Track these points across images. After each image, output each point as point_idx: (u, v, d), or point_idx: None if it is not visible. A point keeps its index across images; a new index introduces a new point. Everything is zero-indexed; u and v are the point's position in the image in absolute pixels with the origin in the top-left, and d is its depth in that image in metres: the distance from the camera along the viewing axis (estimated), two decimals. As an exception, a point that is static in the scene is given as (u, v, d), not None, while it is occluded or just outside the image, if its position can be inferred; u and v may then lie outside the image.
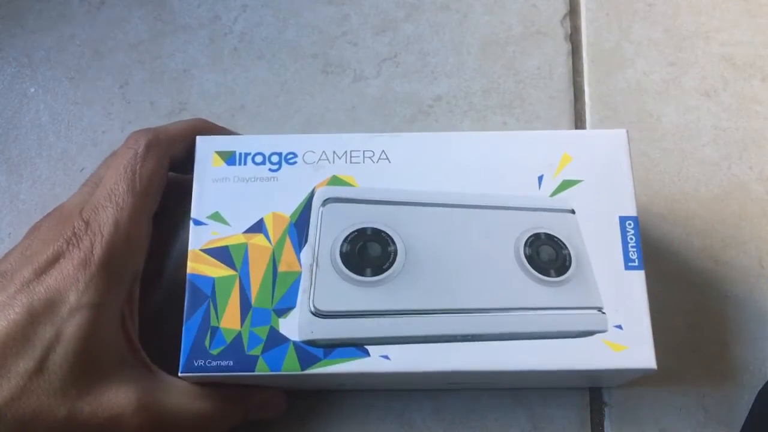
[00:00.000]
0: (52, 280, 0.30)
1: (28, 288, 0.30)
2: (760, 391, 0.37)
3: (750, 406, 0.37)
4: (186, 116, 0.44)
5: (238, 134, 0.38)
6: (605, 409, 0.38)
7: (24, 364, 0.29)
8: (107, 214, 0.32)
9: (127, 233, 0.32)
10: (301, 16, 0.46)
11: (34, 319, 0.30)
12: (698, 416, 0.38)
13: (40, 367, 0.29)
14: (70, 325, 0.30)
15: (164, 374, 0.33)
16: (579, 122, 0.43)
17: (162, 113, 0.44)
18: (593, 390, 0.38)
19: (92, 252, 0.31)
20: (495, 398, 0.38)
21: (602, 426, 0.38)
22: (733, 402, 0.38)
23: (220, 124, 0.38)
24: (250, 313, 0.31)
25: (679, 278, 0.40)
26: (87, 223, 0.31)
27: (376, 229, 0.32)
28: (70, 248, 0.31)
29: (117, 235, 0.31)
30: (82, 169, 0.43)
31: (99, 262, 0.31)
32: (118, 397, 0.31)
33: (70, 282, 0.30)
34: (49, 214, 0.34)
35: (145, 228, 0.33)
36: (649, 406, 0.38)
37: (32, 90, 0.45)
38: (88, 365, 0.30)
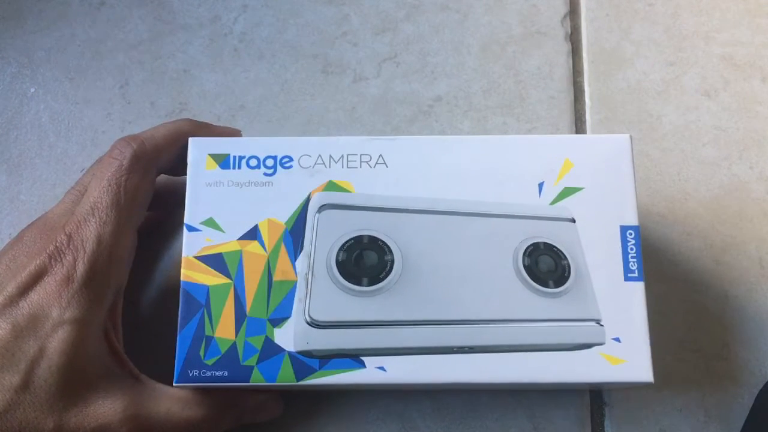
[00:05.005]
0: (35, 296, 0.31)
1: (12, 304, 0.30)
2: (760, 391, 0.37)
3: (750, 406, 0.37)
4: (186, 116, 0.43)
5: (227, 128, 0.37)
6: (605, 409, 0.38)
7: (9, 379, 0.30)
8: (90, 229, 0.32)
9: (110, 248, 0.32)
10: (301, 16, 0.46)
11: (18, 334, 0.30)
12: (698, 416, 0.38)
13: (26, 381, 0.30)
14: (53, 340, 0.30)
15: (154, 383, 0.33)
16: (579, 122, 0.43)
17: (162, 113, 0.44)
18: (593, 390, 0.38)
19: (75, 268, 0.31)
20: (495, 398, 0.38)
21: (602, 426, 0.38)
22: (733, 402, 0.38)
23: (221, 124, 0.38)
24: (245, 322, 0.31)
25: (679, 278, 0.40)
26: (70, 238, 0.31)
27: (372, 237, 0.32)
28: (53, 263, 0.31)
29: (99, 250, 0.31)
30: (82, 169, 0.43)
31: (81, 279, 0.31)
32: (104, 408, 0.31)
33: (53, 298, 0.30)
34: (33, 224, 0.34)
35: (129, 241, 0.33)
36: (650, 406, 0.38)
37: (32, 90, 0.45)
38: (73, 378, 0.30)
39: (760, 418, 0.36)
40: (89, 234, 0.31)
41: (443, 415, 0.38)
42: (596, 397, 0.38)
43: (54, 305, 0.30)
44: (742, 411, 0.38)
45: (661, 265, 0.40)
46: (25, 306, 0.30)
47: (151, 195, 0.34)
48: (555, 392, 0.38)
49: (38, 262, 0.31)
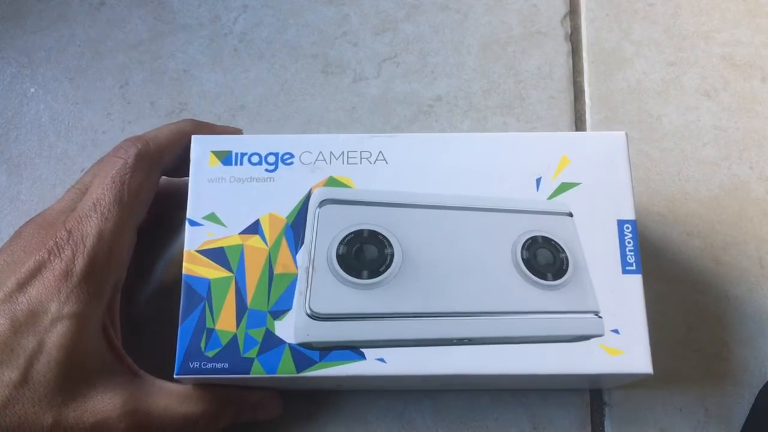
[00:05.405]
0: (34, 290, 0.31)
1: (11, 299, 0.30)
2: (760, 391, 0.37)
3: (750, 406, 0.37)
4: (186, 116, 0.44)
5: (228, 127, 0.37)
6: (605, 409, 0.38)
7: (9, 374, 0.29)
8: (91, 225, 0.32)
9: (111, 244, 0.32)
10: (301, 16, 0.46)
11: (17, 329, 0.30)
12: (698, 416, 0.38)
13: (25, 376, 0.30)
14: (52, 335, 0.30)
15: (152, 378, 0.33)
16: (579, 122, 0.43)
17: (162, 113, 0.44)
18: (593, 390, 0.38)
19: (74, 263, 0.31)
20: (495, 398, 0.38)
21: (602, 426, 0.38)
22: (733, 402, 0.38)
23: (221, 124, 0.38)
24: (246, 315, 0.31)
25: (679, 278, 0.40)
26: (70, 233, 0.31)
27: (373, 231, 0.32)
28: (52, 258, 0.31)
29: (100, 246, 0.31)
30: (82, 170, 0.43)
31: (80, 274, 0.31)
32: (103, 403, 0.31)
33: (52, 293, 0.30)
34: (31, 220, 0.34)
35: (129, 239, 0.33)
36: (650, 406, 0.38)
37: (32, 90, 0.45)
38: (72, 373, 0.30)
39: (761, 417, 0.36)
40: (90, 229, 0.32)
41: (443, 415, 0.38)
42: (596, 397, 0.38)
43: (53, 300, 0.30)
44: (742, 411, 0.38)
45: (661, 264, 0.40)
46: (24, 301, 0.30)
47: (153, 194, 0.34)
48: (555, 392, 0.38)
49: (37, 257, 0.31)
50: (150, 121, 0.44)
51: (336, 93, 0.44)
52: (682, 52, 0.45)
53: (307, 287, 0.32)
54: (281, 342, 0.31)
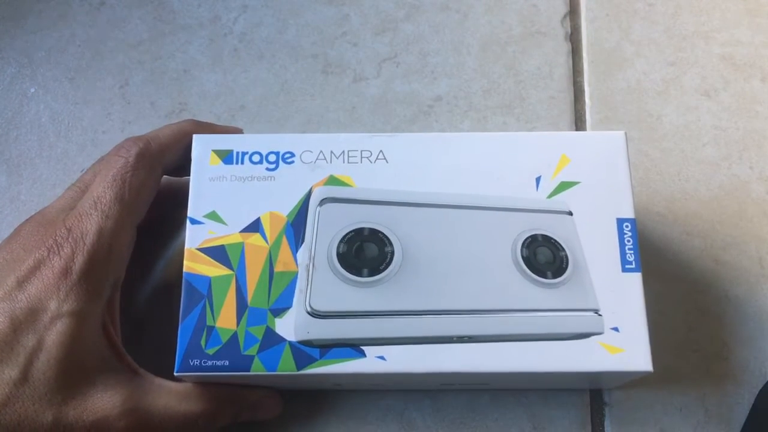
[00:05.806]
0: (33, 288, 0.31)
1: (10, 297, 0.30)
2: (760, 390, 0.37)
3: (750, 406, 0.37)
4: (186, 116, 0.44)
5: (229, 127, 0.38)
6: (605, 409, 0.38)
7: (9, 372, 0.29)
8: (91, 222, 0.32)
9: (110, 242, 0.32)
10: (301, 16, 0.46)
11: (16, 327, 0.30)
12: (698, 416, 0.38)
13: (24, 374, 0.30)
14: (51, 333, 0.30)
15: (152, 377, 0.33)
16: (579, 122, 0.43)
17: (162, 113, 0.44)
18: (593, 390, 0.38)
19: (73, 260, 0.31)
20: (495, 398, 0.38)
21: (603, 426, 0.38)
22: (733, 402, 0.38)
23: (220, 124, 0.38)
24: (246, 312, 0.31)
25: (679, 278, 0.40)
26: (69, 231, 0.31)
27: (373, 229, 0.32)
28: (51, 256, 0.31)
29: (99, 243, 0.31)
30: (82, 169, 0.43)
31: (80, 271, 0.31)
32: (102, 401, 0.31)
33: (51, 291, 0.30)
34: (31, 219, 0.34)
35: (129, 237, 0.33)
36: (650, 406, 0.38)
37: (32, 90, 0.45)
38: (72, 371, 0.30)
39: (761, 417, 0.36)
40: (90, 227, 0.32)
41: (443, 415, 0.38)
42: (596, 397, 0.38)
43: (52, 297, 0.30)
44: (742, 411, 0.38)
45: (661, 264, 0.40)
46: (23, 299, 0.30)
47: (154, 193, 0.34)
48: (555, 392, 0.38)
49: (37, 255, 0.31)
50: (150, 121, 0.44)
51: (336, 93, 0.44)
52: (682, 52, 0.45)
53: (307, 285, 0.32)
54: (281, 339, 0.31)
